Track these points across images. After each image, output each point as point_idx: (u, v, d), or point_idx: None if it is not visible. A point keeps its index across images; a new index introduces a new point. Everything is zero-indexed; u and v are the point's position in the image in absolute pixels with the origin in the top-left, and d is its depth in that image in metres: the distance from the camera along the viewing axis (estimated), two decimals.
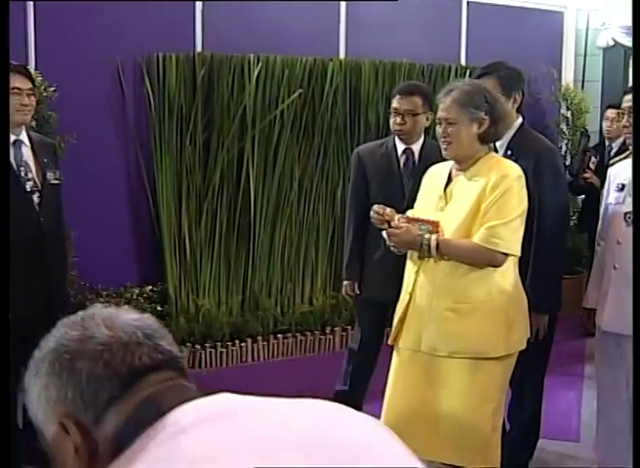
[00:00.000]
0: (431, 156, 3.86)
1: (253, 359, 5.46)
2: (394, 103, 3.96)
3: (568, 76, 6.63)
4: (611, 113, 5.77)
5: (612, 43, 6.70)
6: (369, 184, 4.02)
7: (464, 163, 3.01)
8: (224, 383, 4.94)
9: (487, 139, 3.02)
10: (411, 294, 3.08)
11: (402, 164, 3.99)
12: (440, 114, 3.03)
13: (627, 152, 3.49)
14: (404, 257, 3.77)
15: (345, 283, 4.18)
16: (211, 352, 5.32)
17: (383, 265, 3.94)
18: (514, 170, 2.98)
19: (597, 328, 3.45)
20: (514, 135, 3.49)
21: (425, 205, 3.14)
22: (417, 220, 3.02)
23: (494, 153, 3.09)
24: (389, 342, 3.18)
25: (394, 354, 3.14)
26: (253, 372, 5.26)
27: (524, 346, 3.05)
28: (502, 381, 3.02)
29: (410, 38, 5.84)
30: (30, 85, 3.56)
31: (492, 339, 2.95)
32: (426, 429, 3.01)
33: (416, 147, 4.00)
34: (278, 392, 4.39)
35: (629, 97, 3.34)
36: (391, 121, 4.00)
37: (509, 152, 3.43)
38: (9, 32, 3.13)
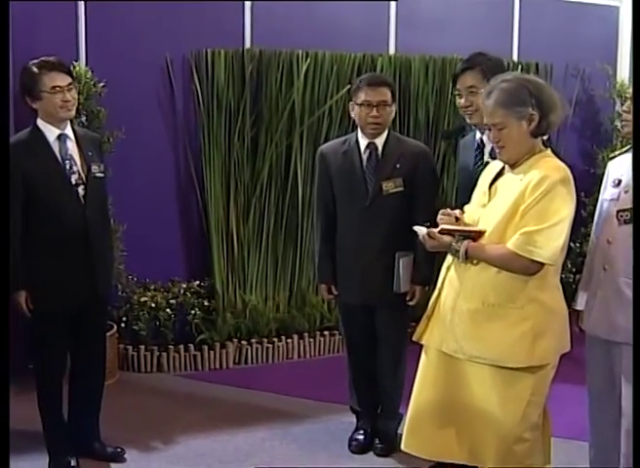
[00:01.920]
0: (395, 150, 3.79)
1: (299, 355, 5.46)
2: (364, 96, 3.72)
3: (623, 72, 6.47)
4: None
5: None
6: (333, 183, 3.88)
7: (518, 161, 2.88)
8: (270, 379, 4.94)
9: (540, 133, 2.85)
10: (440, 291, 3.00)
11: (365, 160, 3.80)
12: (487, 120, 2.87)
13: (629, 146, 3.29)
14: (369, 259, 3.77)
15: (321, 286, 4.04)
16: (257, 348, 5.33)
17: (349, 266, 3.86)
18: (559, 171, 2.81)
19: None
20: None
21: (474, 200, 3.04)
22: (460, 231, 2.89)
23: (548, 151, 2.90)
24: (414, 338, 3.10)
25: (422, 351, 3.07)
26: (299, 369, 5.27)
27: (551, 360, 2.88)
28: (528, 394, 2.83)
29: (461, 33, 5.76)
30: (69, 80, 3.57)
31: (513, 349, 2.81)
32: (451, 430, 2.96)
33: (379, 141, 3.80)
34: (324, 388, 4.45)
35: None
36: (361, 114, 3.75)
37: None
38: (9, 32, 3.13)
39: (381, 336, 3.91)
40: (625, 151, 3.34)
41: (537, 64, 5.96)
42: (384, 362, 3.95)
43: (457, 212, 2.99)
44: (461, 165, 3.66)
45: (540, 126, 2.81)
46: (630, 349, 3.08)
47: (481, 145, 3.49)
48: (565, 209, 2.75)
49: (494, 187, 2.93)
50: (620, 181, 3.19)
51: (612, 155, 3.50)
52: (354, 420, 4.14)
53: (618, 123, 6.30)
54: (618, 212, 3.14)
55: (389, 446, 3.96)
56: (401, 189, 3.75)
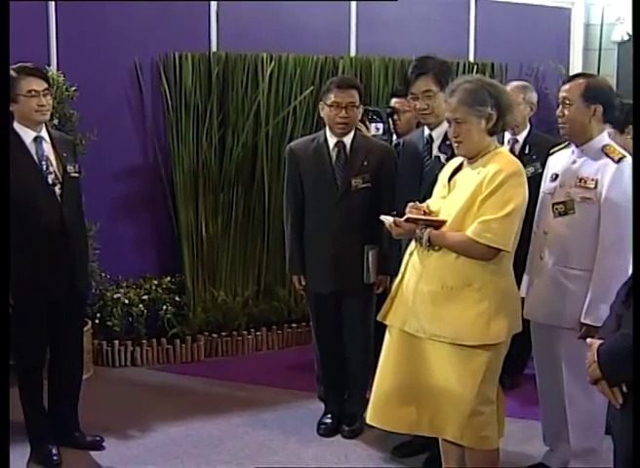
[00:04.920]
0: (362, 148, 4.03)
1: (268, 347, 5.64)
2: (334, 97, 3.94)
3: (575, 71, 6.72)
4: None
5: (627, 37, 6.80)
6: (303, 179, 4.08)
7: (474, 157, 3.11)
8: (240, 370, 5.10)
9: (495, 132, 3.10)
10: (403, 275, 3.21)
11: (334, 157, 4.03)
12: (448, 115, 3.12)
13: (566, 143, 3.54)
14: (339, 250, 3.99)
15: (294, 278, 4.22)
16: (227, 341, 5.51)
17: (319, 257, 4.06)
18: (512, 165, 3.05)
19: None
20: None
21: (434, 193, 3.27)
22: (424, 220, 3.11)
23: (502, 148, 3.15)
24: (378, 318, 3.32)
25: (386, 331, 3.28)
26: (268, 360, 5.44)
27: (504, 339, 3.08)
28: (483, 370, 3.04)
29: (419, 35, 5.97)
30: (46, 85, 3.76)
31: (470, 328, 3.02)
32: (413, 404, 3.16)
33: (347, 140, 4.02)
34: (292, 378, 4.62)
35: (566, 87, 3.39)
36: (331, 114, 3.97)
37: (448, 143, 3.46)
38: (9, 32, 3.23)
39: (351, 324, 4.12)
40: (563, 148, 3.59)
41: (492, 64, 6.20)
42: (353, 349, 4.16)
43: (424, 205, 3.21)
44: (407, 157, 3.84)
45: (496, 125, 3.07)
46: (568, 333, 3.36)
47: (430, 141, 3.70)
48: (518, 199, 3.00)
49: (453, 181, 3.17)
50: (556, 176, 3.46)
51: (551, 151, 3.75)
52: (322, 407, 4.33)
53: None
54: (553, 205, 3.40)
55: (356, 428, 4.17)
56: (369, 185, 3.98)
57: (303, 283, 4.16)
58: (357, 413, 4.22)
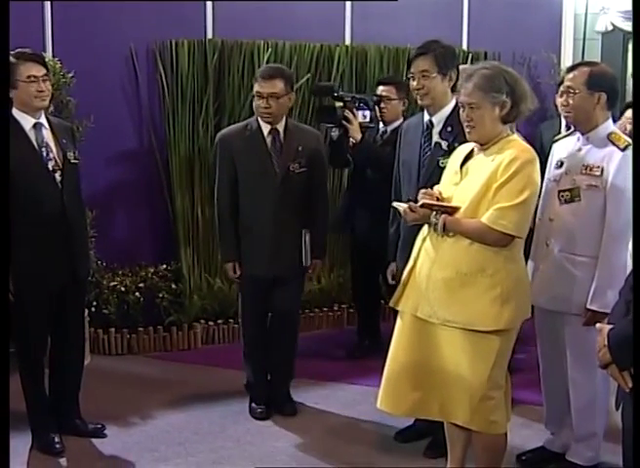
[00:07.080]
0: (296, 134, 4.14)
1: None
2: (257, 87, 4.04)
3: (567, 60, 6.77)
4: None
5: (610, 27, 6.82)
6: (237, 166, 4.11)
7: (486, 143, 3.11)
8: (238, 358, 5.13)
9: (509, 120, 3.10)
10: (415, 261, 3.22)
11: (269, 144, 4.09)
12: (462, 99, 3.10)
13: (571, 130, 3.59)
14: (279, 234, 4.08)
15: (228, 265, 4.22)
16: (224, 328, 5.51)
17: (259, 243, 4.11)
18: (527, 152, 3.06)
19: None
20: (450, 113, 3.55)
21: (445, 179, 3.27)
22: (438, 206, 3.12)
23: (515, 135, 3.15)
24: (390, 304, 3.33)
25: (398, 316, 3.30)
26: None
27: (516, 325, 3.13)
28: (494, 355, 3.07)
29: (413, 24, 5.97)
30: (44, 71, 3.73)
31: (482, 314, 3.04)
32: (423, 389, 3.18)
33: (280, 127, 4.11)
34: None
35: (570, 75, 3.42)
36: (255, 104, 4.09)
37: (449, 129, 3.51)
38: (9, 31, 3.21)
39: (286, 307, 4.22)
40: (568, 135, 3.62)
41: (485, 53, 6.21)
42: (287, 330, 4.28)
43: (436, 191, 3.22)
44: (406, 143, 3.82)
45: (510, 113, 3.06)
46: (572, 319, 3.39)
47: (430, 126, 3.68)
48: (532, 186, 3.02)
49: (465, 168, 3.16)
50: (562, 163, 3.48)
51: (556, 138, 3.78)
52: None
53: None
54: (559, 192, 3.43)
55: (289, 409, 4.30)
56: (305, 169, 4.09)
57: (238, 271, 4.18)
58: (285, 395, 4.35)
